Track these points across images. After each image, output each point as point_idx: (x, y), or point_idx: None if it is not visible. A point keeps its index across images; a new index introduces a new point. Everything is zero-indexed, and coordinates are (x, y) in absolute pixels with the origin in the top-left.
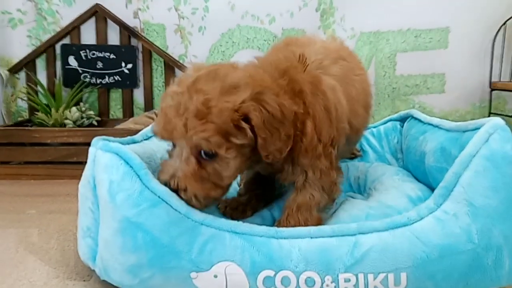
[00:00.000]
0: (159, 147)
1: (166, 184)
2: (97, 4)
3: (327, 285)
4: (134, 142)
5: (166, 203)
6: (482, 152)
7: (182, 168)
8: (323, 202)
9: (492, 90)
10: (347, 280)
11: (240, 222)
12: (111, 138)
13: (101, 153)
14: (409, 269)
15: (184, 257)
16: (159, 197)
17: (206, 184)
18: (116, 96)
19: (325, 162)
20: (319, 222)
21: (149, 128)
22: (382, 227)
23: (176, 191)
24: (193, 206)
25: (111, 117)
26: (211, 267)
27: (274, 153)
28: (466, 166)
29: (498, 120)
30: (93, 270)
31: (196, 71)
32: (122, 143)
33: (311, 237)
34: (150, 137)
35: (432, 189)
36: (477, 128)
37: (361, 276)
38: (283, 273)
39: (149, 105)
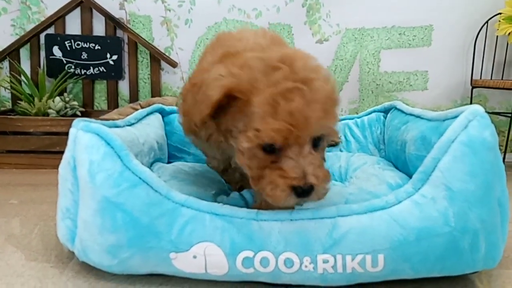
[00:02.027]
0: (141, 132)
1: (300, 189)
2: None
3: (306, 266)
4: (117, 126)
5: (147, 184)
6: (460, 138)
7: (312, 162)
8: None
9: (473, 87)
10: (325, 261)
11: (221, 204)
12: (93, 119)
13: (82, 134)
14: (386, 251)
15: (164, 237)
16: (139, 178)
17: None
18: (101, 88)
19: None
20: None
21: (132, 115)
22: (360, 210)
23: (309, 191)
24: (320, 199)
25: (95, 108)
26: (190, 248)
27: None
28: (444, 152)
29: (477, 107)
30: (73, 253)
31: (263, 61)
32: (105, 125)
33: (291, 219)
34: (133, 123)
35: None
36: (456, 116)
37: (339, 257)
38: (262, 253)
39: (134, 97)
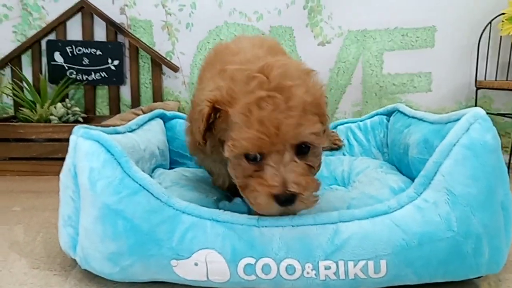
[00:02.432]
0: (142, 138)
1: (281, 198)
2: (83, 0)
3: (308, 273)
4: (117, 132)
5: (147, 191)
6: (462, 141)
7: (293, 169)
8: None
9: (477, 88)
10: (327, 268)
11: (222, 211)
12: (93, 126)
13: (82, 141)
14: (389, 256)
15: (165, 245)
16: (140, 185)
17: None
18: (102, 93)
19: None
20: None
21: (133, 121)
22: (362, 215)
23: (291, 199)
24: (308, 207)
25: (97, 114)
26: (192, 255)
27: None
28: (446, 155)
29: (479, 110)
30: (75, 261)
31: (242, 65)
32: (105, 132)
33: (292, 225)
34: (134, 129)
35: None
36: (459, 119)
37: (341, 263)
38: (263, 260)
39: (135, 102)
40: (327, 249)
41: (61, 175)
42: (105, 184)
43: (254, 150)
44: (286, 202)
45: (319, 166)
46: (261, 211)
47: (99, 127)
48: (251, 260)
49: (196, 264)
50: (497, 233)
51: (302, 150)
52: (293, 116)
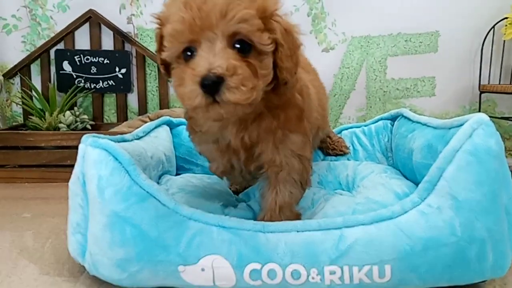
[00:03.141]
0: (149, 145)
1: (205, 81)
2: (91, 10)
3: (313, 278)
4: (125, 140)
5: (155, 197)
6: (465, 147)
7: (223, 56)
8: (299, 197)
9: (481, 92)
10: (332, 273)
11: (228, 217)
12: (101, 135)
13: (91, 149)
14: (393, 261)
15: (172, 251)
16: (147, 192)
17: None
18: (110, 101)
19: (308, 152)
20: (299, 218)
21: (140, 128)
22: (367, 221)
23: (217, 82)
24: (240, 99)
25: (105, 121)
26: (198, 261)
27: (289, 71)
28: (449, 161)
29: (482, 116)
30: (84, 267)
31: None
32: (112, 141)
33: (297, 231)
34: (141, 137)
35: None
36: (462, 124)
37: (346, 268)
38: (269, 265)
39: (143, 109)
40: (332, 254)
41: (70, 183)
42: (113, 191)
43: (182, 37)
44: (211, 87)
45: (267, 78)
46: (186, 101)
47: (107, 136)
48: (257, 266)
49: (202, 270)
50: (501, 237)
51: (243, 46)
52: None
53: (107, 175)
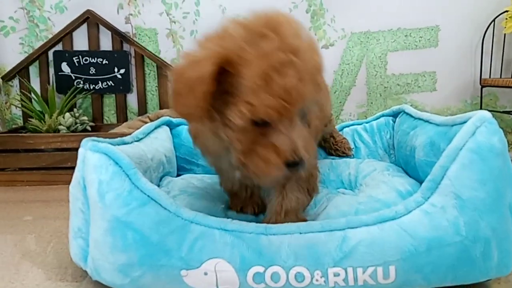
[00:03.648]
0: (149, 147)
1: (291, 163)
2: (88, 10)
3: (317, 280)
4: (124, 143)
5: (156, 201)
6: (468, 145)
7: (301, 135)
8: (306, 203)
9: (482, 86)
10: (336, 275)
11: (230, 220)
12: (101, 139)
13: (90, 154)
14: (398, 262)
15: (174, 255)
16: (148, 196)
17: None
18: (109, 101)
19: (315, 159)
20: None
21: (140, 130)
22: (370, 221)
23: (298, 163)
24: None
25: (105, 122)
26: (201, 265)
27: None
28: (453, 159)
29: (485, 113)
30: (86, 272)
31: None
32: (112, 144)
33: (300, 233)
34: (141, 138)
35: (422, 184)
36: (465, 122)
37: (350, 270)
38: (272, 268)
39: (142, 109)
40: (335, 256)
41: (70, 187)
42: (114, 196)
43: (275, 117)
44: (293, 166)
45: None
46: (267, 177)
47: (107, 140)
48: (260, 269)
49: (205, 274)
50: (506, 236)
51: (303, 112)
52: (309, 83)
53: (107, 179)
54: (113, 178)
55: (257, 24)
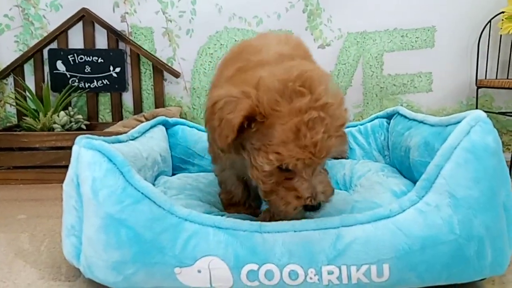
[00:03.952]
0: (144, 146)
1: (310, 207)
2: (84, 8)
3: (311, 278)
4: (119, 141)
5: (150, 199)
6: (463, 144)
7: (322, 181)
8: None
9: (478, 87)
10: (330, 273)
11: (224, 218)
12: (95, 136)
13: (84, 151)
14: (392, 260)
15: (168, 252)
16: (142, 193)
17: None
18: (105, 100)
19: None
20: None
21: (136, 129)
22: (364, 220)
23: (317, 207)
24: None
25: (100, 121)
26: (195, 262)
27: None
28: (447, 158)
29: (479, 113)
30: (79, 270)
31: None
32: (107, 142)
33: (295, 231)
34: (136, 137)
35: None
36: (459, 121)
37: (344, 268)
38: (266, 266)
39: (138, 108)
40: (329, 254)
41: (64, 184)
42: (108, 193)
43: (301, 167)
44: (313, 209)
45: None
46: (287, 217)
47: (101, 137)
48: (254, 266)
49: (199, 271)
50: (499, 235)
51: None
52: (337, 137)
53: (101, 176)
54: (107, 175)
55: (292, 79)
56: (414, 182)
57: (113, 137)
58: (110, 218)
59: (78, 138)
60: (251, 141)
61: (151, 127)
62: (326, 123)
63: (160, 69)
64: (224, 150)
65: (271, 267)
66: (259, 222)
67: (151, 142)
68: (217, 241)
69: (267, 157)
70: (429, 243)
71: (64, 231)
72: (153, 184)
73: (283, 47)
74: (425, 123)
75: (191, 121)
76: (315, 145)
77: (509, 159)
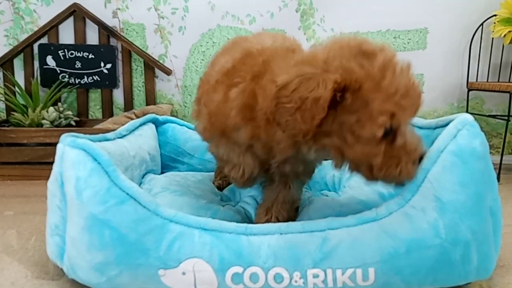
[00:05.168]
0: (132, 144)
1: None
2: (75, 3)
3: (296, 281)
4: (107, 139)
5: (134, 199)
6: (450, 148)
7: (414, 133)
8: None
9: (469, 90)
10: (315, 276)
11: (210, 219)
12: (81, 134)
13: (69, 149)
14: (377, 264)
15: (152, 254)
16: (127, 193)
17: None
18: (95, 96)
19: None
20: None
21: (124, 126)
22: (351, 222)
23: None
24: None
25: (90, 117)
26: (179, 264)
27: None
28: (434, 162)
29: (466, 116)
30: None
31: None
32: (93, 140)
33: (281, 233)
34: (124, 135)
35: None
36: (447, 124)
37: (329, 271)
38: (251, 269)
39: (129, 105)
40: (315, 257)
41: (48, 183)
42: (92, 193)
43: (408, 118)
44: (421, 160)
45: None
46: (410, 178)
47: (87, 135)
48: (239, 269)
49: (183, 273)
50: (485, 239)
51: None
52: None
53: (85, 176)
54: (91, 175)
55: (353, 45)
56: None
57: (100, 135)
58: (93, 219)
59: (63, 136)
60: (343, 118)
61: (141, 124)
62: (410, 72)
63: (152, 66)
64: (306, 135)
65: (256, 270)
66: (245, 224)
67: (140, 140)
68: (202, 243)
69: (375, 122)
70: (414, 247)
71: (48, 231)
72: (140, 183)
73: (280, 41)
74: (414, 125)
75: (182, 119)
76: (416, 93)
77: (499, 162)
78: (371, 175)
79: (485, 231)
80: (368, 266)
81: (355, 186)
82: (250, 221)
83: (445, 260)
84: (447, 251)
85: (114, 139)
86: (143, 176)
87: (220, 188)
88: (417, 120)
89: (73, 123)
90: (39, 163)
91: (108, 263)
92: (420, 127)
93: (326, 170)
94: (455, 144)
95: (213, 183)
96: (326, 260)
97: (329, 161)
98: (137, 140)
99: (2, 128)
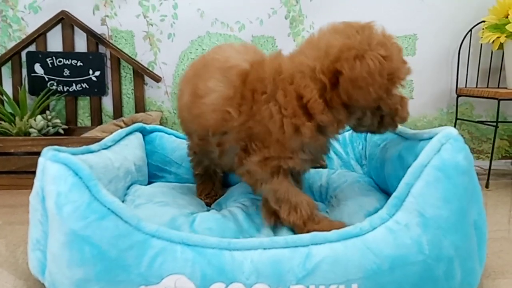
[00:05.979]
0: (117, 155)
1: None
2: (63, 11)
3: None
4: (90, 151)
5: (116, 214)
6: (433, 162)
7: None
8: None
9: (458, 96)
10: None
11: (193, 234)
12: (62, 148)
13: (50, 164)
14: (360, 280)
15: (133, 271)
16: (108, 208)
17: None
18: (84, 104)
19: None
20: None
21: (110, 137)
22: (334, 238)
23: None
24: None
25: (79, 125)
26: (161, 281)
27: None
28: (417, 176)
29: (451, 130)
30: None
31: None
32: (76, 154)
33: (264, 248)
34: (109, 146)
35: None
36: (431, 138)
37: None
38: (234, 285)
39: (118, 112)
40: (298, 274)
41: (30, 197)
42: (72, 209)
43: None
44: None
45: None
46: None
47: (69, 149)
48: (221, 285)
49: None
50: (469, 254)
51: None
52: None
53: (65, 191)
54: (72, 189)
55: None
56: (389, 194)
57: (84, 147)
58: (73, 235)
59: (44, 150)
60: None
61: (127, 134)
62: None
63: (141, 73)
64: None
65: (238, 286)
66: (228, 240)
67: (125, 151)
68: (184, 259)
69: (399, 81)
70: (398, 263)
71: (30, 245)
72: (125, 194)
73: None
74: (400, 135)
75: (171, 126)
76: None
77: (487, 167)
78: (393, 122)
79: (469, 247)
80: (352, 282)
81: (341, 197)
82: (237, 222)
83: (428, 277)
84: (431, 267)
85: (99, 150)
86: (128, 187)
87: (209, 204)
88: (403, 130)
89: (62, 131)
90: (27, 172)
91: (88, 279)
92: (406, 138)
93: (314, 179)
94: (438, 159)
95: (200, 197)
96: (309, 276)
97: (317, 171)
98: (123, 150)
99: None
